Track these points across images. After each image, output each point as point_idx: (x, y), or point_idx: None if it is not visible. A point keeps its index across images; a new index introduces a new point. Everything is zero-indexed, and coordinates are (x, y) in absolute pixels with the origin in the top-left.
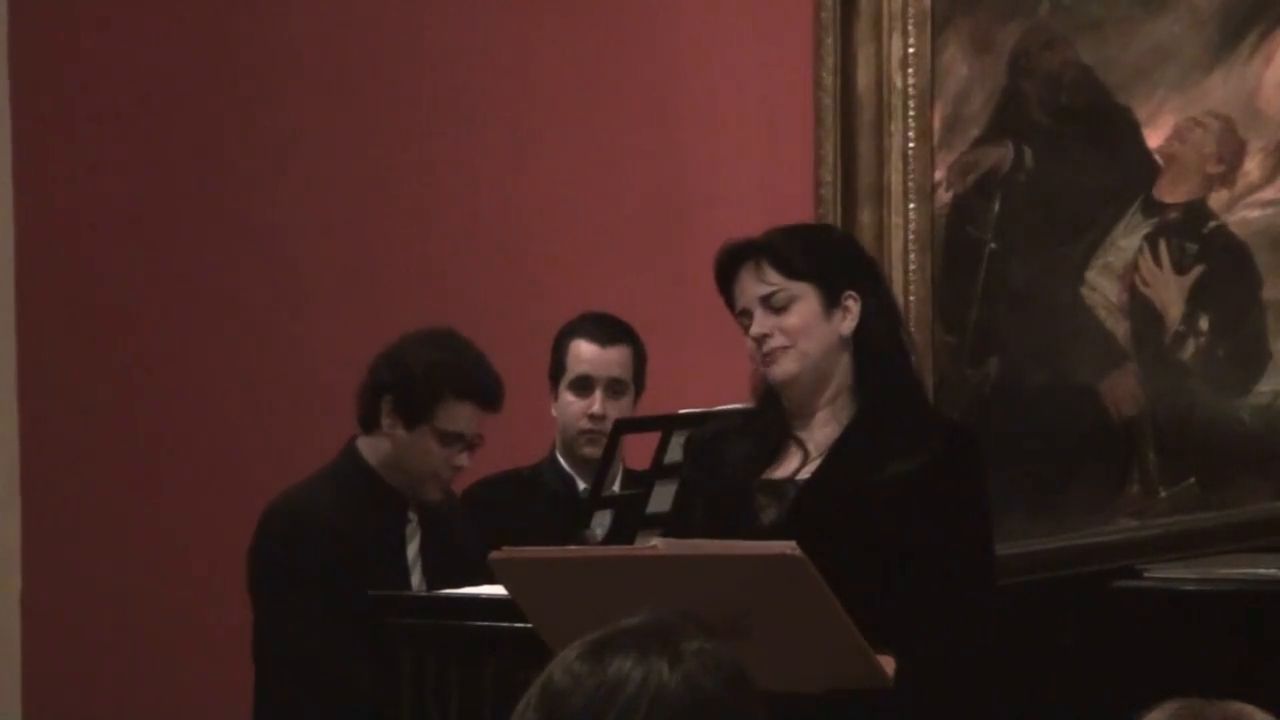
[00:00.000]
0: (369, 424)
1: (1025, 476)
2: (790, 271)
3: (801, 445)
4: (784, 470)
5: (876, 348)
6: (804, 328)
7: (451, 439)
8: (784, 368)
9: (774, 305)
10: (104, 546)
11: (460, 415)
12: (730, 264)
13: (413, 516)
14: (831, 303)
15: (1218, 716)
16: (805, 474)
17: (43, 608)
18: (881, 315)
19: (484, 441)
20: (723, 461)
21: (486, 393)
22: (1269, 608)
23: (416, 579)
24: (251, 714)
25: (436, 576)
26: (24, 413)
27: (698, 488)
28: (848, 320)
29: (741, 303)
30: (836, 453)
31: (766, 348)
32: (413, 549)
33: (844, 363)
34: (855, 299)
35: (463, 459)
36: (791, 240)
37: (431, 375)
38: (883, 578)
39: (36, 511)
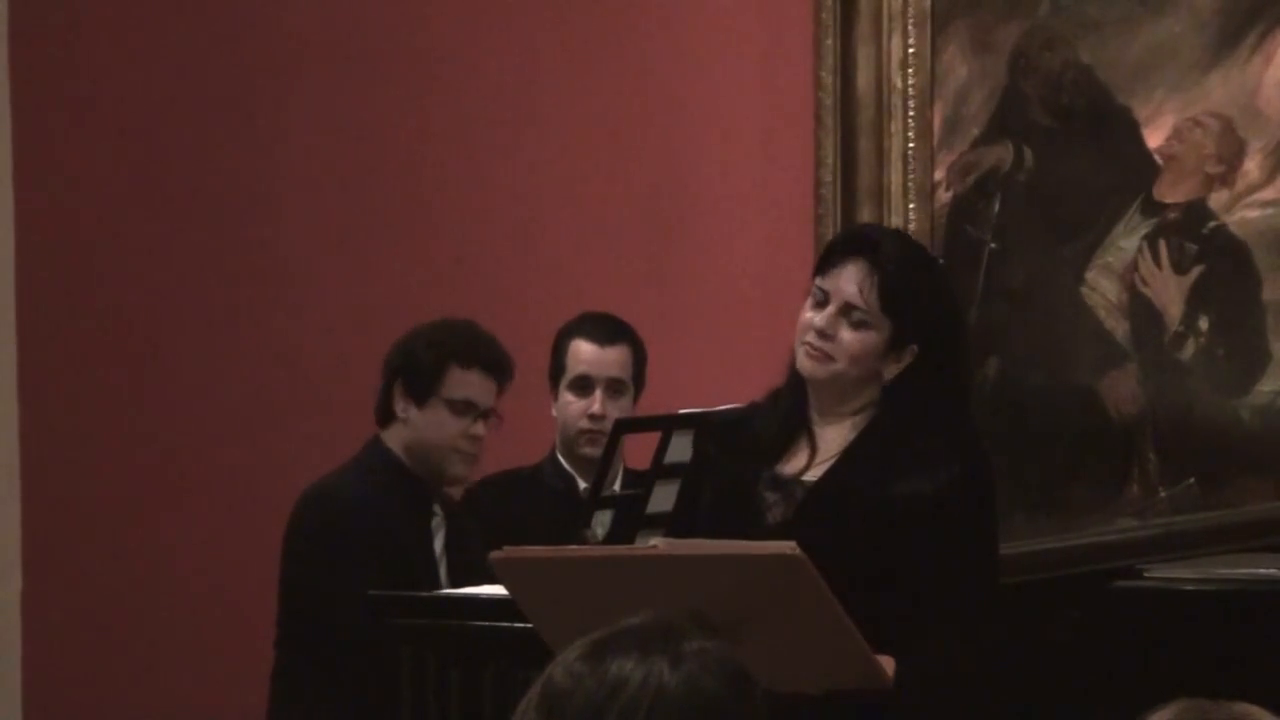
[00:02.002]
0: (386, 416)
1: (1025, 476)
2: (886, 304)
3: (813, 441)
4: (793, 466)
5: (906, 397)
6: (858, 356)
7: (462, 408)
8: (812, 368)
9: (851, 319)
10: (104, 546)
11: (467, 382)
12: (849, 246)
13: (438, 510)
14: (894, 346)
15: (1224, 717)
16: (813, 475)
17: (43, 608)
18: (930, 371)
19: (500, 418)
20: (743, 444)
21: (491, 359)
22: (1269, 608)
23: (444, 573)
24: (269, 704)
25: (460, 573)
26: (24, 413)
27: (709, 474)
28: (894, 368)
29: (829, 285)
30: (847, 459)
31: (815, 340)
32: (439, 543)
33: (872, 392)
34: (914, 352)
35: (479, 428)
36: (908, 274)
37: (434, 349)
38: (885, 586)
39: (36, 511)
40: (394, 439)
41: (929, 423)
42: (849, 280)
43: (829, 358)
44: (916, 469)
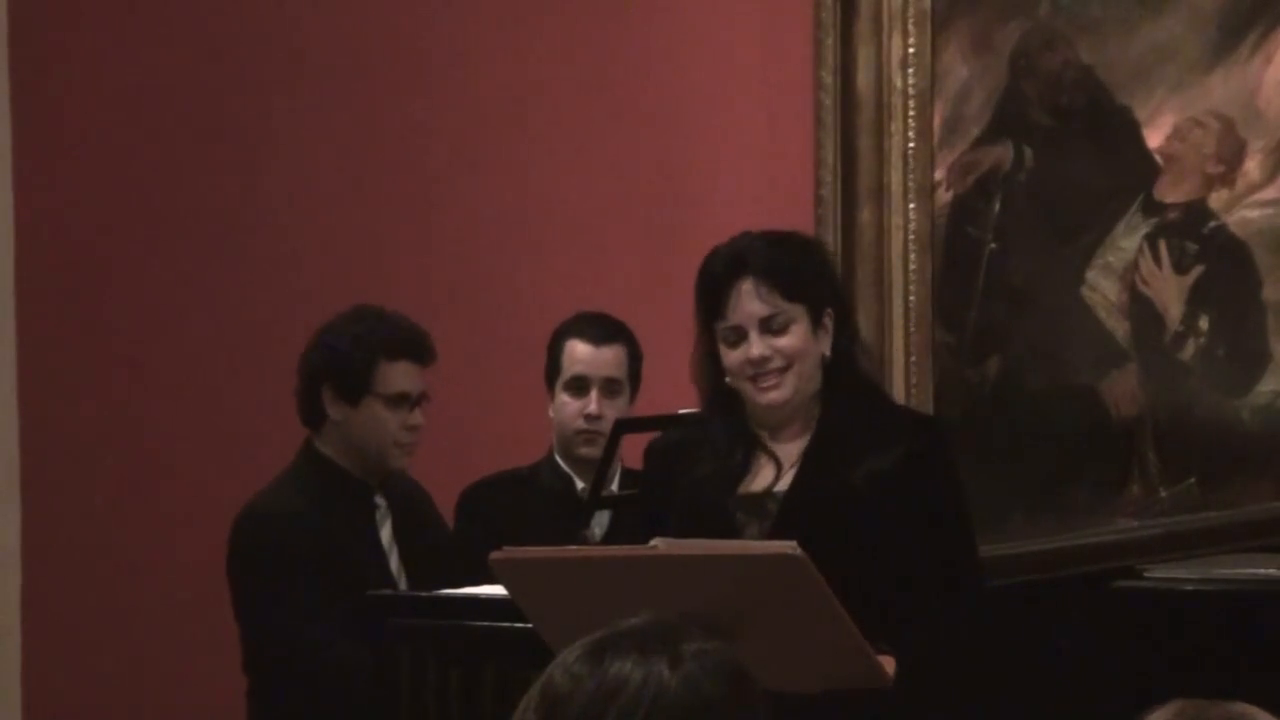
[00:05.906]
0: (315, 420)
1: (1025, 476)
2: (789, 294)
3: (773, 456)
4: (759, 483)
5: (844, 361)
6: (800, 350)
7: (397, 401)
8: (783, 392)
9: (773, 328)
10: (104, 546)
11: (398, 375)
12: (726, 276)
13: (380, 502)
14: (816, 322)
15: (1221, 717)
16: (782, 485)
17: (43, 607)
18: (845, 327)
19: (431, 399)
20: (691, 475)
21: (417, 347)
22: (1269, 608)
23: (395, 564)
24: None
25: (414, 561)
26: (24, 413)
27: (667, 500)
28: (827, 339)
29: (735, 319)
30: (810, 460)
31: (765, 369)
32: (386, 534)
33: (815, 381)
34: (831, 317)
35: (415, 417)
36: (786, 259)
37: (359, 346)
38: (872, 578)
39: (36, 511)
40: (328, 442)
41: (873, 402)
42: (747, 303)
43: (781, 371)
44: (870, 450)
